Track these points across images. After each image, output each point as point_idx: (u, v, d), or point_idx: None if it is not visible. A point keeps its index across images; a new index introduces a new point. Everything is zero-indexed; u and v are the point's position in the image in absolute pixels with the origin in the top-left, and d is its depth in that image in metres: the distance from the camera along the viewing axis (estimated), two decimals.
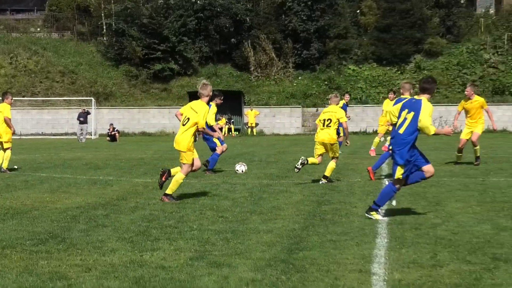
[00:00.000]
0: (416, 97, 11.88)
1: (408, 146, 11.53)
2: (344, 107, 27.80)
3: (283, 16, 63.85)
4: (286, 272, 8.13)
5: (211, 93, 14.73)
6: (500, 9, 69.23)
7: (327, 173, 17.85)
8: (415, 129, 11.52)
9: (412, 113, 11.57)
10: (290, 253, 9.11)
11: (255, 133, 57.47)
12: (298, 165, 17.30)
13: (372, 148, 27.44)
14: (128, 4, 64.92)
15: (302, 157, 17.47)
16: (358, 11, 67.12)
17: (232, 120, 60.28)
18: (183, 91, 61.49)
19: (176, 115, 15.40)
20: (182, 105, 55.79)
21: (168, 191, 14.42)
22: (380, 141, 27.29)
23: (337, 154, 18.04)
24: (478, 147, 22.33)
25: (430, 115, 11.52)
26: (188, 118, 14.40)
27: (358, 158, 25.80)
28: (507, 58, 61.85)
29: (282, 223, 11.47)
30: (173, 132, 58.03)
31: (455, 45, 64.11)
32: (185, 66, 63.66)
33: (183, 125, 14.45)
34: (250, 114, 57.82)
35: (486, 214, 12.16)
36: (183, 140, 14.34)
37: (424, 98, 11.68)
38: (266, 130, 58.40)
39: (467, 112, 22.51)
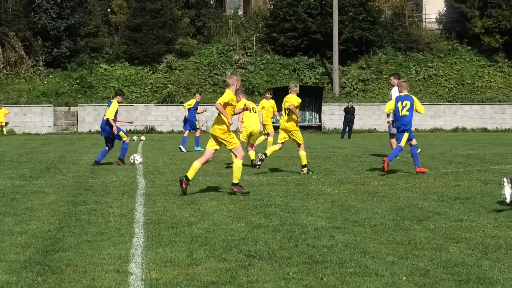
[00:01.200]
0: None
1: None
2: (196, 105, 30.35)
3: (32, 13, 62.25)
4: (42, 274, 7.98)
5: (236, 82, 15.22)
6: (249, 11, 71.17)
7: (303, 162, 19.55)
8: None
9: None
10: (45, 255, 8.95)
11: (5, 132, 55.66)
12: (257, 161, 19.54)
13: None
14: None
15: (260, 153, 19.75)
16: (108, 9, 66.68)
17: None
18: None
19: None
20: None
21: (235, 180, 14.93)
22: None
23: (301, 142, 19.69)
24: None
25: None
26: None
27: (112, 157, 25.66)
28: (256, 59, 63.72)
29: (37, 224, 11.22)
30: None
31: (206, 46, 65.21)
32: None
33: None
34: (0, 113, 55.97)
35: (240, 212, 12.47)
36: (217, 128, 14.91)
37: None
38: (17, 130, 56.74)
39: None
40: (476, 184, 16.61)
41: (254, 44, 65.01)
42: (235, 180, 14.94)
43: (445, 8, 68.23)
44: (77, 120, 57.42)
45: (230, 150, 15.15)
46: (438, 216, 11.85)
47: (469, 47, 65.05)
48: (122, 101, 23.81)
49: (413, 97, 19.59)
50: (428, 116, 57.25)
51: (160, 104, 58.53)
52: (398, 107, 19.44)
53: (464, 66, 63.99)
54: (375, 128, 58.09)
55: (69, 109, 57.87)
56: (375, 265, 8.38)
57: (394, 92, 24.90)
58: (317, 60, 63.12)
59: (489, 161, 23.32)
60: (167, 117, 57.58)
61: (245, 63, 63.15)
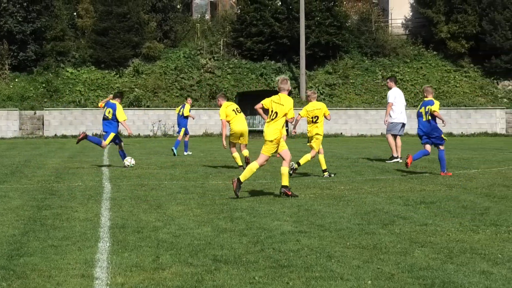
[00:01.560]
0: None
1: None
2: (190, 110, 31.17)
3: None
4: (7, 278, 7.94)
5: (290, 88, 15.57)
6: (216, 15, 71.12)
7: (302, 162, 19.97)
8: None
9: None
10: (10, 260, 8.89)
11: None
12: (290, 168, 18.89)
13: None
14: None
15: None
16: (75, 13, 66.31)
17: None
18: None
19: (256, 109, 16.19)
20: None
21: (242, 178, 14.92)
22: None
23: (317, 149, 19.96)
24: None
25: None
26: (276, 113, 15.08)
27: (78, 162, 25.54)
28: (223, 63, 63.66)
29: (1, 229, 11.14)
30: None
31: (173, 50, 65.06)
32: None
33: (272, 119, 15.12)
34: None
35: (206, 217, 12.45)
36: (272, 132, 15.02)
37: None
38: None
39: None
40: (441, 189, 16.72)
41: (221, 48, 64.96)
42: (242, 178, 15.01)
43: (411, 13, 68.67)
44: (43, 124, 57.02)
45: (261, 152, 15.21)
46: (403, 221, 11.91)
47: (434, 52, 65.48)
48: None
49: (435, 101, 19.64)
50: None
51: (127, 108, 58.22)
52: (421, 113, 19.57)
53: (430, 71, 64.39)
54: (341, 133, 58.25)
55: (35, 113, 57.41)
56: (340, 269, 8.41)
57: (391, 95, 25.93)
58: (284, 64, 63.22)
59: (454, 166, 23.47)
60: (133, 121, 57.29)
61: (212, 68, 63.10)
